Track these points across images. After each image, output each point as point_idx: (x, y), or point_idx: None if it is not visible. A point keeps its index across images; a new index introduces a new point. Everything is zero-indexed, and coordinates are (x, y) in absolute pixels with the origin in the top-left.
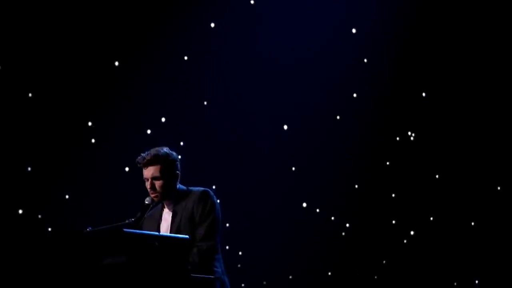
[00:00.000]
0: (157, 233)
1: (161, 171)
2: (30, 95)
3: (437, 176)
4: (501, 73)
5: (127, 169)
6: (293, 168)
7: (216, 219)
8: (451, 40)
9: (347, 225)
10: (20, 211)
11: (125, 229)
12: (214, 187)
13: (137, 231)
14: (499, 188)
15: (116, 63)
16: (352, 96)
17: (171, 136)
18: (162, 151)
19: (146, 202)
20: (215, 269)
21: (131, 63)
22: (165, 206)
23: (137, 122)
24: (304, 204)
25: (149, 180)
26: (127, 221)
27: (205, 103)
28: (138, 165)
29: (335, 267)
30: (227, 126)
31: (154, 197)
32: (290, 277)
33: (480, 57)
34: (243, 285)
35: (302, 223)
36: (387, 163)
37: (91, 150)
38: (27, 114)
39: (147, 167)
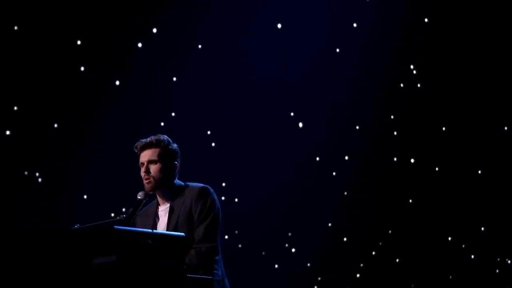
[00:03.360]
0: (150, 230)
1: (159, 155)
2: (16, 28)
3: (443, 129)
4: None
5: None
6: (292, 114)
7: (216, 218)
8: None
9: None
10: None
11: (116, 226)
12: (213, 144)
13: (129, 228)
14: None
15: None
16: (353, 26)
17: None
18: (164, 137)
19: (139, 197)
20: (215, 271)
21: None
22: (161, 203)
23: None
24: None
25: (145, 164)
26: (118, 218)
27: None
28: (135, 150)
29: (336, 219)
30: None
31: (147, 182)
32: (290, 234)
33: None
34: (239, 245)
35: (301, 173)
36: (392, 116)
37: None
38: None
39: (145, 150)
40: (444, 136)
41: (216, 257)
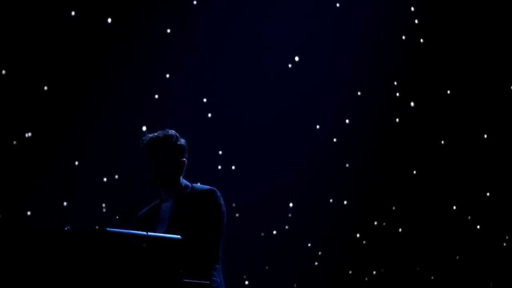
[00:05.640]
0: (145, 232)
1: (168, 152)
2: None
3: (448, 92)
4: None
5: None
6: (290, 66)
7: (220, 224)
8: None
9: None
10: None
11: (108, 228)
12: (209, 115)
13: (122, 230)
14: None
15: None
16: None
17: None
18: (172, 132)
19: (134, 198)
20: (213, 278)
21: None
22: (164, 201)
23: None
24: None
25: (153, 161)
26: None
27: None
28: (141, 145)
29: (338, 189)
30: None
31: (156, 180)
32: (289, 210)
33: None
34: (237, 218)
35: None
36: (395, 82)
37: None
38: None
39: (153, 146)
40: (448, 100)
41: (216, 265)
